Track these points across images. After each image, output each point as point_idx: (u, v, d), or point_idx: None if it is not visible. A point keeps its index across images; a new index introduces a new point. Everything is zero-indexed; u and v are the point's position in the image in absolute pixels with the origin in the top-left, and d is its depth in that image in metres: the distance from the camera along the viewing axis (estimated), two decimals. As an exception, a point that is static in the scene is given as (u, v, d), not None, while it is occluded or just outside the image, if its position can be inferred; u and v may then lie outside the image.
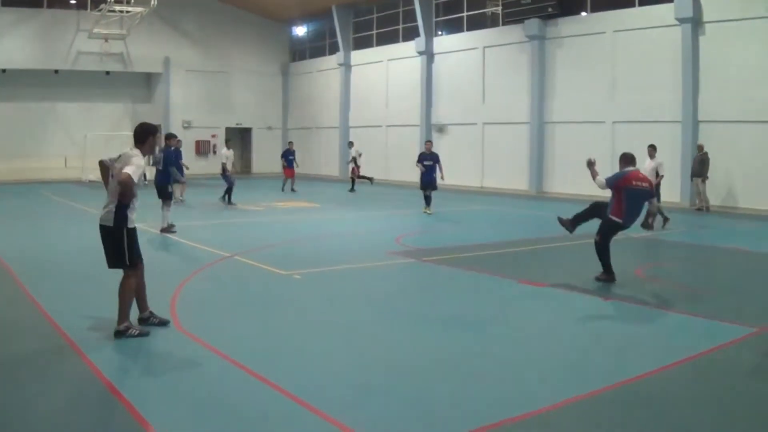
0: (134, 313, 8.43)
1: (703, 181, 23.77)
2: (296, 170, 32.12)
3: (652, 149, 18.69)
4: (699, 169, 23.72)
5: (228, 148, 25.73)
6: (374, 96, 41.48)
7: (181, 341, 8.04)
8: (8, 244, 15.23)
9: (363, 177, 32.33)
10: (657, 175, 18.06)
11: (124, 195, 7.96)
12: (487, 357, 7.60)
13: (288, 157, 31.48)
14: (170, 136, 18.82)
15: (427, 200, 22.42)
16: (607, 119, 28.44)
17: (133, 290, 8.22)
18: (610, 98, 28.42)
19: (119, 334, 8.00)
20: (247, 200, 25.97)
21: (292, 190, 30.88)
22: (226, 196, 24.61)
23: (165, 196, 17.40)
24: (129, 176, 7.79)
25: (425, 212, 22.24)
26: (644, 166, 17.32)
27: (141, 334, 8.08)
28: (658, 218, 18.41)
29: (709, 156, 23.71)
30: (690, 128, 25.23)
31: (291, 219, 21.39)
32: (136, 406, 5.94)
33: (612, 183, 11.22)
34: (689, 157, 24.68)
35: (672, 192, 23.47)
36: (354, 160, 32.28)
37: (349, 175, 32.57)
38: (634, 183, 11.18)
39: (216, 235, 17.27)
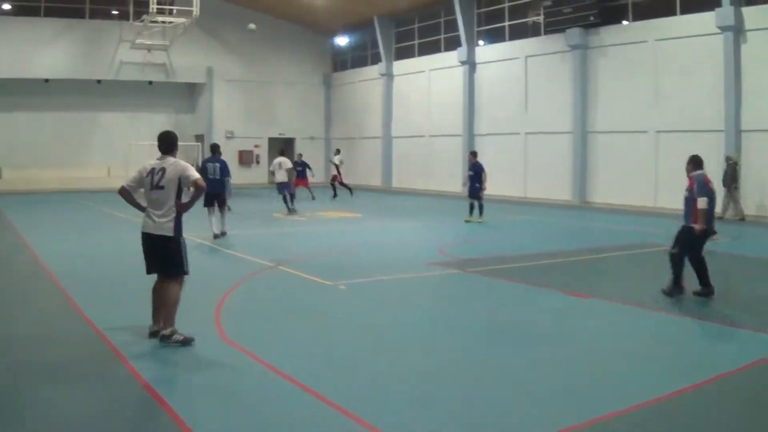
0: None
1: (729, 192, 23.74)
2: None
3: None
4: (724, 179, 23.70)
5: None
6: (417, 106, 42.17)
7: (225, 350, 8.24)
8: (52, 252, 15.80)
9: (344, 185, 33.57)
10: None
11: (192, 203, 8.59)
12: (533, 369, 7.68)
13: (296, 168, 31.71)
14: (217, 147, 19.20)
15: (471, 209, 22.98)
16: (650, 129, 28.71)
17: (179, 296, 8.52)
18: (653, 107, 28.69)
19: (165, 338, 8.29)
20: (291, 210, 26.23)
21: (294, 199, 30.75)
22: (290, 204, 25.45)
23: (222, 203, 18.48)
24: (203, 180, 8.46)
25: (466, 221, 22.79)
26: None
27: (186, 341, 8.30)
28: None
29: (740, 166, 24.13)
30: (733, 137, 25.25)
31: (334, 229, 21.75)
32: (178, 413, 6.16)
33: (706, 192, 10.91)
34: (733, 167, 24.72)
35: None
36: (337, 167, 33.36)
37: (330, 181, 33.73)
38: (710, 186, 11.09)
39: (260, 245, 17.68)
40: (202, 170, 18.94)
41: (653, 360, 8.03)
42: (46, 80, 41.17)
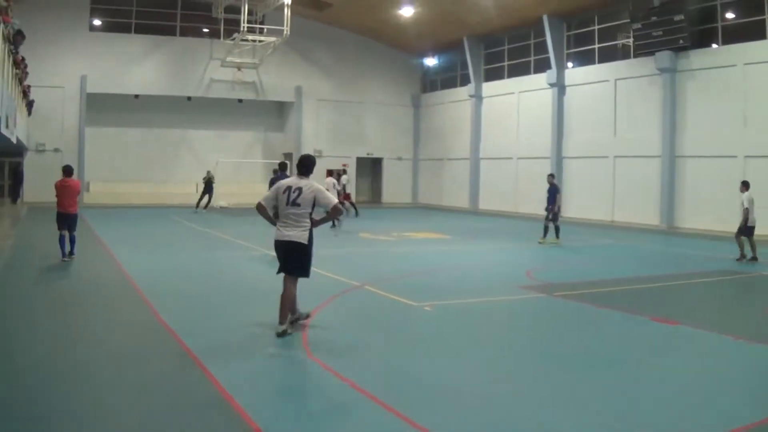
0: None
1: None
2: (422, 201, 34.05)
3: (744, 186, 19.77)
4: None
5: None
6: (505, 128, 43.87)
7: (310, 367, 8.73)
8: (138, 266, 16.56)
9: (351, 202, 35.44)
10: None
11: (324, 221, 10.20)
12: (621, 397, 7.72)
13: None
14: (286, 165, 20.68)
15: (556, 231, 24.21)
16: (738, 153, 29.79)
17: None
18: (742, 132, 29.84)
19: (286, 332, 9.81)
20: (378, 230, 27.99)
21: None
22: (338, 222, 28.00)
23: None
24: (340, 205, 10.03)
25: (551, 243, 23.92)
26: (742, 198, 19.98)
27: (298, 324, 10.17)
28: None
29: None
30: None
31: (421, 249, 22.45)
32: (257, 422, 6.55)
33: None
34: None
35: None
36: (344, 186, 35.38)
37: (348, 202, 35.28)
38: None
39: (347, 264, 18.12)
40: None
41: (734, 390, 8.08)
42: (136, 96, 44.13)
